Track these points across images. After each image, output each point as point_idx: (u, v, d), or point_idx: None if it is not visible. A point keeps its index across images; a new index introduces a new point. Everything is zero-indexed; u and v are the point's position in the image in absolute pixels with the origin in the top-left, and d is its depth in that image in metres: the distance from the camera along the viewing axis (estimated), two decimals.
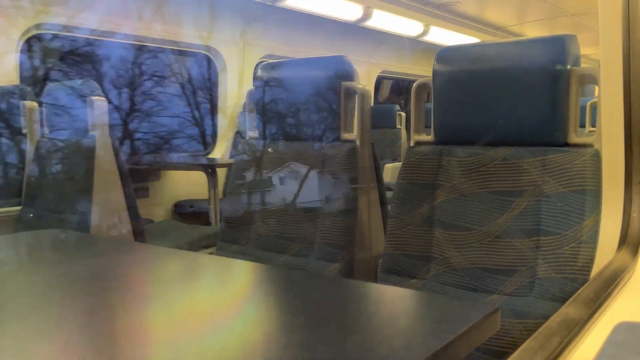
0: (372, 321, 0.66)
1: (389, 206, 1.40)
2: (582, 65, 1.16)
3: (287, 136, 1.63)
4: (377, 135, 4.30)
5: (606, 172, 1.08)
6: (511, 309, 1.09)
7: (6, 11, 2.49)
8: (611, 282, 0.86)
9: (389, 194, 1.58)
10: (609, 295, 0.82)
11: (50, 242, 1.18)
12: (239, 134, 3.73)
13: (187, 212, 3.42)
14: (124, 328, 0.66)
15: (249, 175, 1.66)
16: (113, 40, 3.05)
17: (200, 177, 3.14)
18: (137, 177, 3.10)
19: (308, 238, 1.51)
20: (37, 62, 2.81)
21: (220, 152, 3.78)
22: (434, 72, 1.32)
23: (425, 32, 4.50)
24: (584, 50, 1.21)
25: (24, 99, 2.38)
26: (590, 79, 1.14)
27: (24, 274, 0.90)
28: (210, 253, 1.98)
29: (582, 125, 2.87)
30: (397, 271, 1.29)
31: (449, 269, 1.21)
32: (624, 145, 1.04)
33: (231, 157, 3.65)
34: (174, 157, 3.62)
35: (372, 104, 4.98)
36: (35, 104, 2.38)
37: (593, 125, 2.72)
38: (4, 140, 2.46)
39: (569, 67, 1.14)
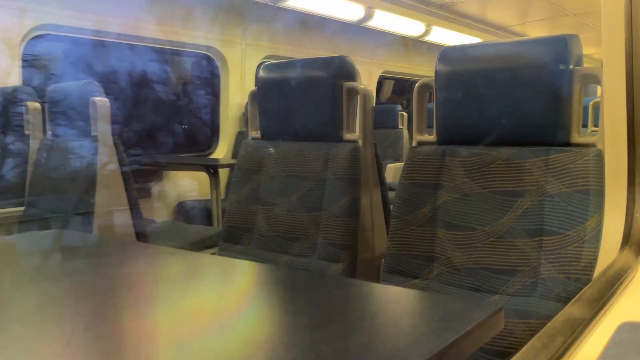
0: (375, 321, 0.66)
1: (391, 206, 1.40)
2: (585, 65, 1.16)
3: (289, 136, 1.63)
4: (379, 136, 4.30)
5: (609, 171, 1.08)
6: (514, 309, 1.09)
7: None
8: (614, 281, 0.86)
9: (391, 194, 1.58)
10: (612, 295, 0.81)
11: (53, 243, 1.18)
12: (241, 134, 3.74)
13: (190, 213, 3.43)
14: (127, 328, 0.66)
15: (251, 176, 1.66)
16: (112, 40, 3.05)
17: (202, 177, 3.14)
18: (139, 178, 3.11)
19: (310, 238, 1.51)
20: None
21: (222, 152, 3.78)
22: (436, 72, 1.32)
23: (427, 32, 4.50)
24: (586, 50, 1.21)
25: (27, 100, 2.38)
26: (593, 79, 1.14)
27: (27, 274, 0.91)
28: (213, 253, 1.98)
29: (585, 126, 2.86)
30: (400, 271, 1.29)
31: (451, 269, 1.21)
32: (626, 145, 1.04)
33: (233, 157, 3.66)
34: (176, 157, 3.62)
35: (374, 104, 4.98)
36: (38, 105, 2.39)
37: (595, 126, 2.71)
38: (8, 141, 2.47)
39: (571, 66, 1.14)
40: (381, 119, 4.44)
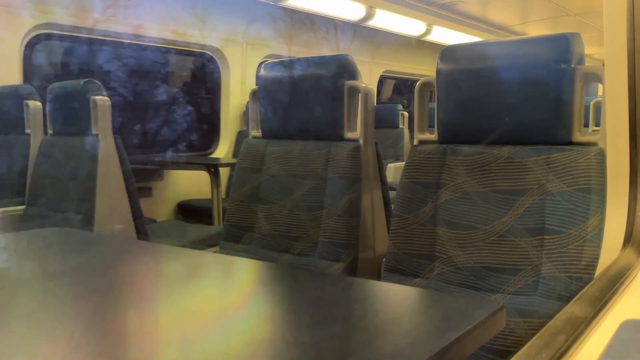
0: (377, 319, 0.66)
1: (392, 205, 1.40)
2: (586, 64, 1.16)
3: (290, 135, 1.63)
4: (380, 135, 4.30)
5: (611, 170, 1.08)
6: (516, 308, 1.09)
7: None
8: (616, 280, 0.86)
9: (392, 193, 1.58)
10: (614, 293, 0.81)
11: (53, 241, 1.18)
12: (242, 133, 3.74)
13: (191, 212, 3.43)
14: (128, 326, 0.66)
15: (252, 175, 1.66)
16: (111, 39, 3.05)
17: (203, 176, 3.14)
18: (140, 177, 3.11)
19: (311, 237, 1.51)
20: None
21: (223, 151, 3.78)
22: (438, 71, 1.31)
23: (428, 32, 4.50)
24: (587, 50, 1.21)
25: (27, 99, 2.38)
26: (594, 77, 1.13)
27: (28, 272, 0.90)
28: (214, 252, 1.98)
29: (586, 125, 2.86)
30: (401, 270, 1.29)
31: (452, 267, 1.21)
32: (628, 144, 1.04)
33: (234, 156, 3.66)
34: (177, 156, 3.62)
35: (375, 104, 4.98)
36: (38, 103, 2.39)
37: (596, 125, 2.71)
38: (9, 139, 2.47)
39: (573, 65, 1.13)
40: (382, 119, 4.44)
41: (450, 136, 1.31)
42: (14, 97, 2.42)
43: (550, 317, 0.75)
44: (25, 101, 2.38)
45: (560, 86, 1.14)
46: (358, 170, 1.49)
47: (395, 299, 0.77)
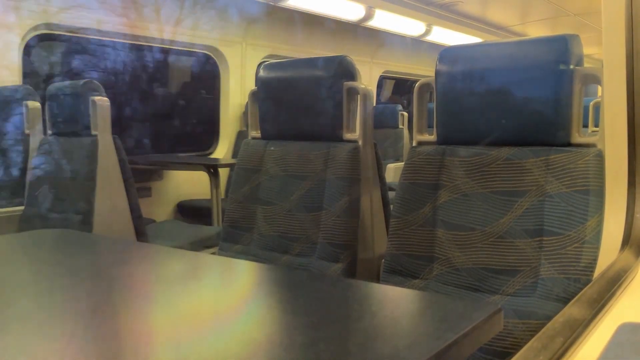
0: (375, 321, 0.66)
1: (391, 206, 1.40)
2: (585, 65, 1.16)
3: (289, 136, 1.63)
4: (379, 135, 4.30)
5: (609, 172, 1.08)
6: (514, 310, 1.09)
7: None
8: (614, 282, 0.86)
9: (391, 194, 1.58)
10: (612, 295, 0.81)
11: (52, 242, 1.18)
12: (242, 134, 3.74)
13: (190, 212, 3.43)
14: (127, 327, 0.66)
15: (251, 175, 1.66)
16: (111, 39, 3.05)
17: (202, 177, 3.14)
18: (140, 177, 3.11)
19: (310, 238, 1.51)
20: None
21: (222, 152, 3.78)
22: (437, 72, 1.31)
23: (427, 32, 4.50)
24: (587, 50, 1.21)
25: (27, 99, 2.38)
26: (593, 79, 1.13)
27: (27, 273, 0.90)
28: (213, 253, 1.98)
29: (585, 126, 2.85)
30: (400, 271, 1.29)
31: (451, 269, 1.21)
32: (627, 145, 1.04)
33: (233, 157, 3.66)
34: (177, 156, 3.62)
35: (375, 104, 4.98)
36: (37, 104, 2.39)
37: (596, 126, 2.71)
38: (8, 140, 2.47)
39: (572, 66, 1.13)
40: (382, 119, 4.44)
41: (450, 137, 1.31)
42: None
43: (549, 318, 0.75)
44: (24, 102, 2.38)
45: (559, 88, 1.14)
46: (357, 171, 1.49)
47: (393, 300, 0.77)
